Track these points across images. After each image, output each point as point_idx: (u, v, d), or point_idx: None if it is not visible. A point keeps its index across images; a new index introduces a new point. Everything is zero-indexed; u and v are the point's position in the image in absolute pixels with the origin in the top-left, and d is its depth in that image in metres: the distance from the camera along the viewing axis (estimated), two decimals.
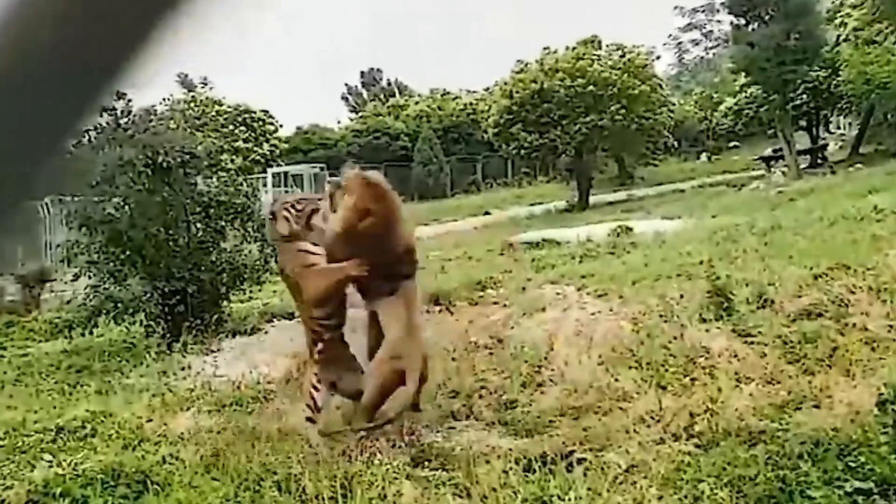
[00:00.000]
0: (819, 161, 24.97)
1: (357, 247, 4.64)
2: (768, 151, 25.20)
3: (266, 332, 7.98)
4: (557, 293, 7.72)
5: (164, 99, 31.73)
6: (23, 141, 0.53)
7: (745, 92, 28.56)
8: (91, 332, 8.22)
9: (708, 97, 36.78)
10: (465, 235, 16.65)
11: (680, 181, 26.86)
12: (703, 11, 43.87)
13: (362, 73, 51.63)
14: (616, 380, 5.16)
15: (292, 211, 4.84)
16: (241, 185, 8.62)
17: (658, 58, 27.95)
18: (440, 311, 7.80)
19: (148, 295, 7.91)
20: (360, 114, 42.47)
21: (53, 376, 7.09)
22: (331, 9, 74.64)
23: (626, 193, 25.28)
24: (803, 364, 5.01)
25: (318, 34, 74.01)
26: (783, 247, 8.33)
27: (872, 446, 3.43)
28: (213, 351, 7.29)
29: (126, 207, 7.88)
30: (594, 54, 23.11)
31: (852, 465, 3.35)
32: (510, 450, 4.17)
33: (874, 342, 5.19)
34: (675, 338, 5.72)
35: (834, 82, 23.45)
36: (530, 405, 5.04)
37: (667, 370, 5.17)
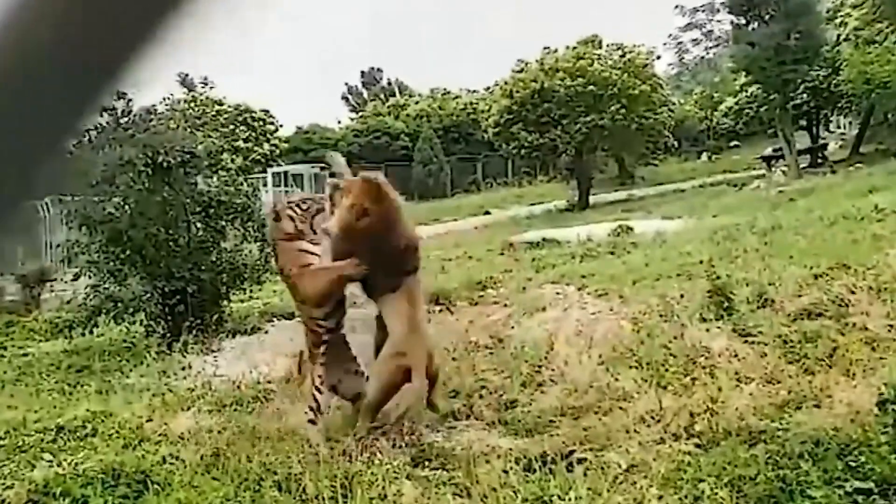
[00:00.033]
0: (819, 160, 24.97)
1: (357, 246, 4.65)
2: (769, 151, 25.21)
3: (266, 332, 7.98)
4: (558, 293, 7.72)
5: (164, 99, 31.81)
6: (23, 141, 0.53)
7: (746, 91, 28.58)
8: (91, 332, 8.21)
9: (708, 97, 36.78)
10: (465, 235, 16.65)
11: (680, 181, 26.87)
12: (703, 11, 43.82)
13: (363, 72, 51.68)
14: (616, 379, 5.16)
15: (297, 210, 4.84)
16: (242, 184, 8.61)
17: (658, 57, 27.93)
18: (440, 311, 7.80)
19: (148, 295, 7.91)
20: (360, 113, 42.51)
21: (54, 376, 7.09)
22: (332, 9, 74.70)
23: (626, 193, 25.29)
24: (803, 364, 5.01)
25: (319, 34, 74.10)
26: (783, 246, 8.33)
27: (873, 446, 3.43)
28: (213, 351, 7.29)
29: (126, 207, 7.88)
30: (594, 54, 23.11)
31: (852, 464, 3.35)
32: (510, 449, 4.17)
33: (874, 342, 5.18)
34: (675, 337, 5.72)
35: (834, 82, 23.45)
36: (530, 405, 5.04)
37: (667, 370, 5.17)
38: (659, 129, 23.35)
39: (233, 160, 29.16)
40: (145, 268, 7.78)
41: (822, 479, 3.29)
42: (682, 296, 6.67)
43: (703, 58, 45.86)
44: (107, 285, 7.87)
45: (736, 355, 5.29)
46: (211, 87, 35.82)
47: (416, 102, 39.35)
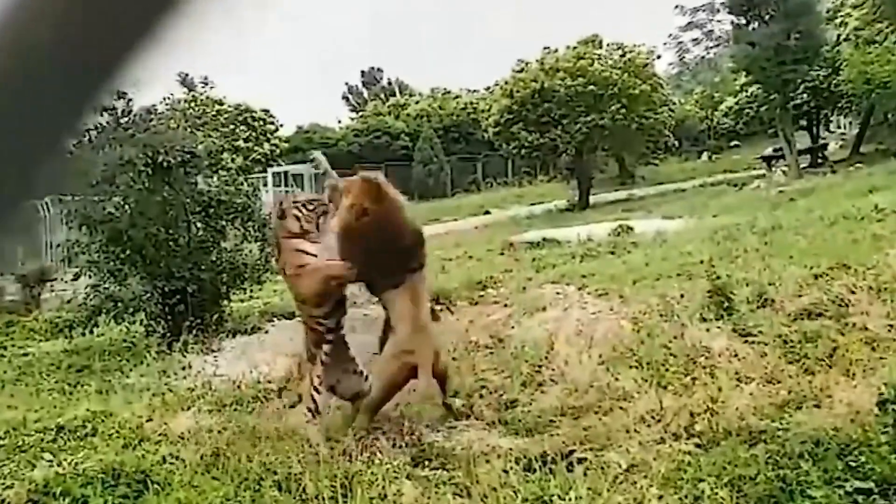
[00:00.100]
0: (819, 160, 24.97)
1: (359, 246, 4.65)
2: (769, 151, 25.20)
3: (266, 332, 7.97)
4: (558, 293, 7.72)
5: (164, 98, 31.81)
6: (23, 140, 0.53)
7: (746, 91, 28.59)
8: (91, 332, 8.21)
9: (709, 96, 36.78)
10: (465, 235, 16.65)
11: (681, 180, 26.86)
12: (703, 11, 43.78)
13: (363, 72, 51.70)
14: (616, 379, 5.16)
15: (304, 210, 4.83)
16: (242, 184, 8.61)
17: (659, 57, 27.91)
18: (441, 311, 7.80)
19: (148, 294, 7.91)
20: (360, 113, 42.55)
21: (54, 376, 7.09)
22: (332, 9, 74.70)
23: (626, 193, 25.29)
24: (804, 364, 5.01)
25: (319, 34, 74.11)
26: (784, 246, 8.33)
27: (873, 446, 3.43)
28: (213, 350, 7.29)
29: (126, 207, 7.88)
30: (595, 54, 23.10)
31: (853, 464, 3.35)
32: (510, 449, 4.17)
33: (874, 342, 5.18)
34: (675, 337, 5.72)
35: (834, 82, 23.45)
36: (531, 405, 5.04)
37: (667, 370, 5.17)
38: (659, 129, 23.35)
39: (233, 160, 29.18)
40: (145, 267, 7.78)
41: (822, 478, 3.29)
42: (682, 295, 6.67)
43: (703, 57, 45.83)
44: (107, 285, 7.87)
45: (736, 355, 5.29)
46: (211, 87, 35.90)
47: (417, 102, 39.37)
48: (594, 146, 23.22)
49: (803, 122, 26.66)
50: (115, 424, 4.90)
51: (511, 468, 3.84)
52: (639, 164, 28.46)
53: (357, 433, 4.53)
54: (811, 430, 3.76)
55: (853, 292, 6.02)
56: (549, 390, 5.26)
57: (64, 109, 0.53)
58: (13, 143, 0.53)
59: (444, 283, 8.48)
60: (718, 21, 41.45)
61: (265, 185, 25.48)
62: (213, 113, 32.52)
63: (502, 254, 11.77)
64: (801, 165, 22.55)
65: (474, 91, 39.84)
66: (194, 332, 7.45)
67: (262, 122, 33.13)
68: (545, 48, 23.73)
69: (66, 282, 9.84)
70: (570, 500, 3.44)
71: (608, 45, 23.92)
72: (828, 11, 25.06)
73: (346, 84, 51.69)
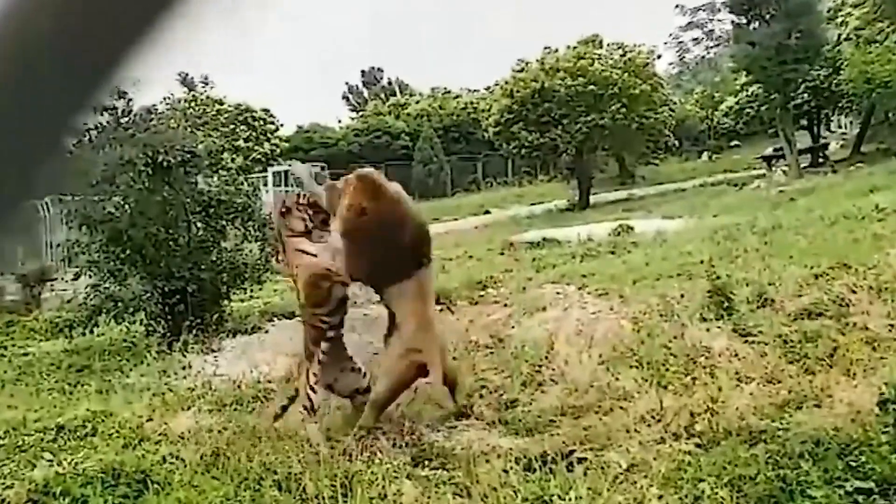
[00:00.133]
0: (820, 160, 24.95)
1: (361, 245, 4.64)
2: (769, 150, 25.18)
3: (266, 332, 7.97)
4: (558, 292, 7.72)
5: (164, 98, 31.82)
6: (23, 139, 0.53)
7: (746, 91, 28.55)
8: (91, 332, 8.21)
9: (709, 96, 36.75)
10: (465, 235, 16.65)
11: (681, 180, 26.84)
12: (704, 10, 43.77)
13: (363, 72, 51.68)
14: (617, 379, 5.16)
15: (310, 210, 4.85)
16: (242, 184, 8.62)
17: (659, 57, 27.91)
18: (441, 311, 7.79)
19: (148, 294, 7.91)
20: (360, 113, 42.55)
21: (54, 375, 7.09)
22: (332, 9, 74.70)
23: (626, 193, 25.27)
24: (804, 363, 5.01)
25: (320, 34, 74.11)
26: (784, 246, 8.32)
27: (873, 446, 3.42)
28: (213, 350, 7.29)
29: (126, 207, 7.88)
30: (595, 53, 23.09)
31: (853, 464, 3.35)
32: (510, 449, 4.17)
33: (875, 341, 5.18)
34: (675, 337, 5.72)
35: (835, 81, 23.42)
36: (531, 404, 5.04)
37: (667, 369, 5.17)
38: (659, 129, 23.34)
39: (233, 159, 29.18)
40: (145, 267, 7.78)
41: (822, 478, 3.29)
42: (682, 295, 6.67)
43: (703, 57, 45.83)
44: (107, 285, 7.87)
45: (736, 355, 5.29)
46: (211, 87, 35.92)
47: (417, 102, 39.36)
48: (594, 146, 23.21)
49: (804, 122, 26.63)
50: (115, 424, 4.90)
51: (511, 468, 3.84)
52: (639, 164, 28.44)
53: (361, 432, 4.52)
54: (811, 429, 3.75)
55: (854, 292, 6.02)
56: (549, 390, 5.26)
57: (64, 107, 0.53)
58: (13, 143, 0.53)
59: (445, 283, 8.47)
60: (719, 20, 41.50)
61: (265, 184, 25.47)
62: (214, 113, 32.52)
63: (502, 253, 11.77)
64: (802, 165, 22.54)
65: (474, 91, 39.85)
66: (194, 331, 7.45)
67: (262, 122, 33.13)
68: (545, 48, 23.74)
69: (66, 281, 9.84)
70: (570, 499, 3.44)
71: (608, 44, 23.91)
72: (828, 11, 25.03)
73: (347, 84, 51.72)
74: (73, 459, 4.16)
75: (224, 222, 8.19)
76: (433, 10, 71.10)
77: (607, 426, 4.38)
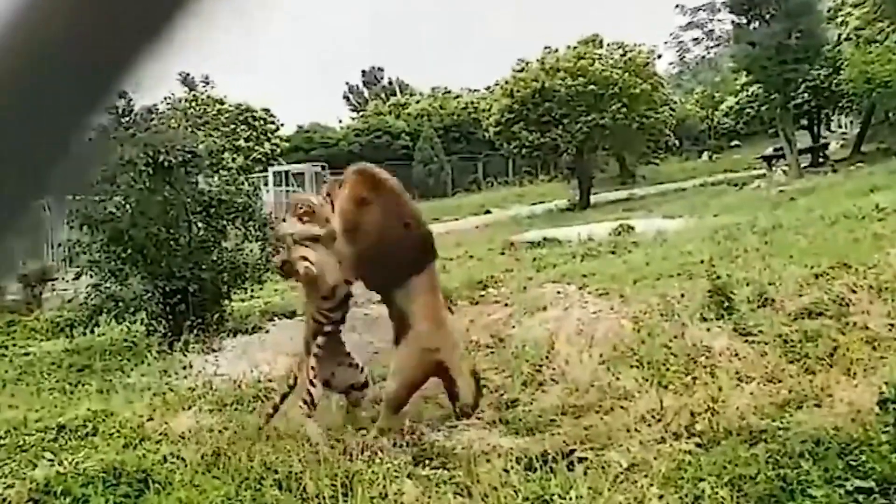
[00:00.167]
0: (820, 160, 24.94)
1: (363, 242, 4.62)
2: (769, 150, 25.17)
3: (267, 331, 7.98)
4: (558, 292, 7.72)
5: (165, 98, 31.78)
6: (35, 140, 0.53)
7: (747, 91, 28.54)
8: (92, 331, 8.22)
9: (709, 96, 36.74)
10: (466, 234, 16.65)
11: (681, 180, 26.83)
12: (704, 10, 43.76)
13: (363, 72, 51.68)
14: (617, 379, 5.16)
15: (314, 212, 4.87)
16: (243, 184, 8.63)
17: (659, 56, 27.93)
18: None
19: (149, 294, 7.92)
20: (361, 113, 42.57)
21: (55, 375, 7.10)
22: (332, 9, 74.70)
23: (627, 192, 25.27)
24: (804, 363, 5.01)
25: (320, 34, 74.12)
26: (784, 246, 8.32)
27: (873, 445, 3.43)
28: (214, 350, 7.29)
29: (127, 206, 7.89)
30: (595, 53, 23.08)
31: (853, 463, 3.35)
32: (511, 449, 4.17)
33: (875, 341, 5.18)
34: (676, 337, 5.72)
35: (835, 81, 23.41)
36: (531, 404, 5.04)
37: (668, 369, 5.17)
38: (660, 129, 23.33)
39: (234, 159, 29.20)
40: (146, 267, 7.78)
41: (822, 478, 3.29)
42: (682, 295, 6.67)
43: (703, 57, 45.82)
44: (108, 284, 7.88)
45: (736, 355, 5.29)
46: (212, 87, 35.91)
47: (417, 102, 39.36)
48: (595, 146, 23.21)
49: (804, 122, 26.63)
50: (115, 424, 4.90)
51: (512, 467, 3.84)
52: (639, 164, 28.45)
53: (379, 429, 4.51)
54: (812, 429, 3.76)
55: (854, 291, 6.02)
56: (549, 390, 5.27)
57: (75, 108, 0.54)
58: (25, 143, 0.53)
59: (445, 283, 8.42)
60: (719, 20, 41.50)
61: (266, 184, 25.48)
62: (214, 112, 32.53)
63: (503, 253, 11.77)
64: (802, 165, 22.53)
65: (475, 91, 39.86)
66: (195, 331, 7.46)
67: (262, 122, 33.13)
68: (546, 48, 23.73)
69: (67, 281, 9.85)
70: (570, 499, 3.44)
71: (609, 44, 23.90)
72: (829, 10, 25.03)
73: (347, 84, 51.72)
74: (73, 459, 4.16)
75: (225, 222, 8.19)
76: (433, 10, 71.17)
77: (608, 426, 4.39)
